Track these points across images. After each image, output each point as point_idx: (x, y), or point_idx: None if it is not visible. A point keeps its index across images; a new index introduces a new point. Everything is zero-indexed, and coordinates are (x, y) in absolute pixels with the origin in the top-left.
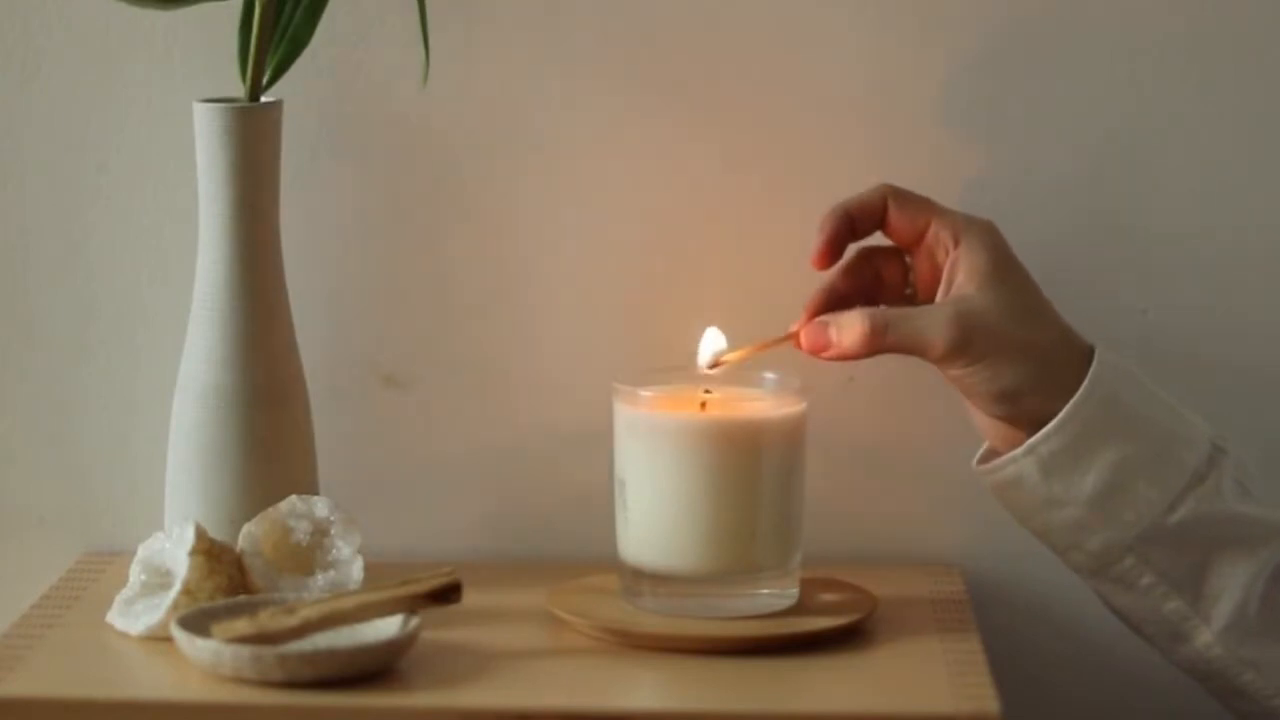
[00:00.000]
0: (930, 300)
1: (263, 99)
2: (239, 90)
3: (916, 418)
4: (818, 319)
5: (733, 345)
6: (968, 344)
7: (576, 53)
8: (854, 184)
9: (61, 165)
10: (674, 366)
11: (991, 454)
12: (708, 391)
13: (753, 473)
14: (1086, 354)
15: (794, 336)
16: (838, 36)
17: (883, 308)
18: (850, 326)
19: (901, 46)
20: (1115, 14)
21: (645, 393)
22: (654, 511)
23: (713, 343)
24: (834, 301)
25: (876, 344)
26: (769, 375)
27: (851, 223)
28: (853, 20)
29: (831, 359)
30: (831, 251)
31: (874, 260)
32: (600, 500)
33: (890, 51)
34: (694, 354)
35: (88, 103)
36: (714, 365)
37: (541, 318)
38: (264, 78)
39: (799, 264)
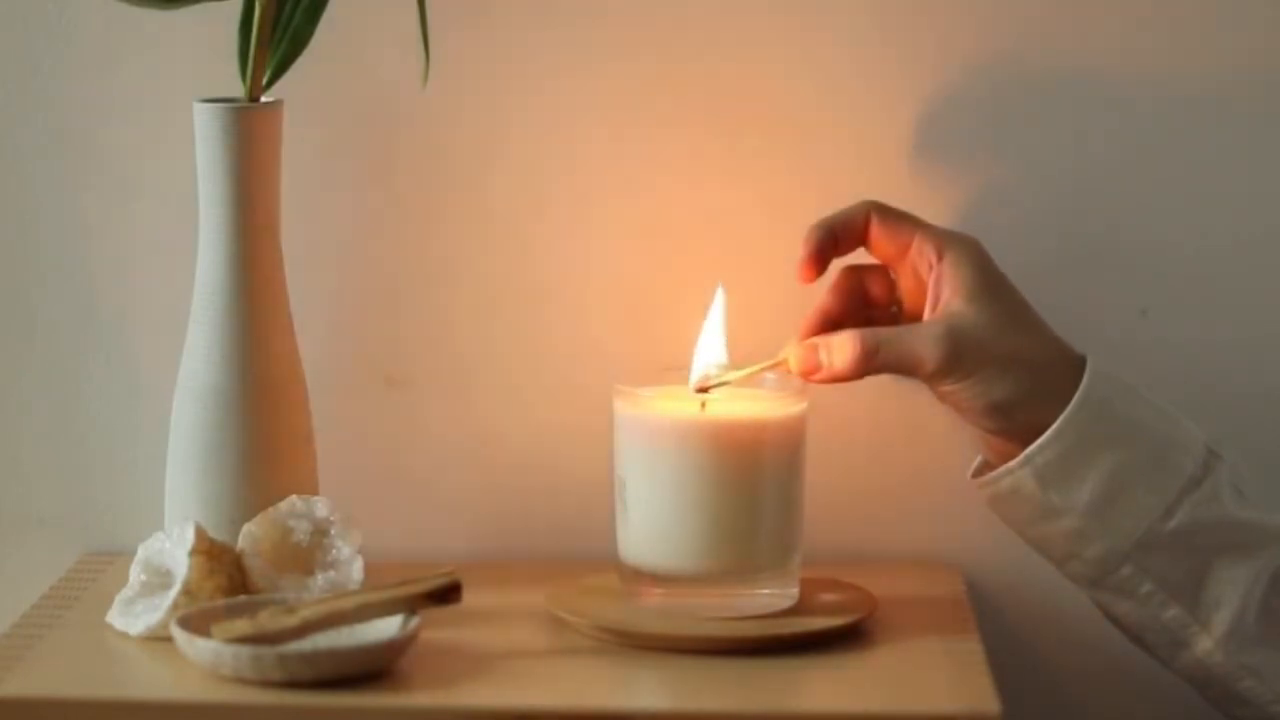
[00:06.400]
0: (916, 315)
1: (263, 99)
2: (239, 90)
3: (916, 418)
4: (807, 341)
5: (727, 366)
6: (958, 359)
7: (577, 55)
8: (851, 189)
9: (61, 165)
10: (674, 366)
11: (985, 467)
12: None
13: (753, 473)
14: (1078, 364)
15: (785, 362)
16: (836, 48)
17: (873, 329)
18: (841, 348)
19: (902, 61)
20: (1114, 25)
21: (645, 393)
22: (654, 511)
23: (707, 358)
24: (826, 324)
25: (868, 365)
26: (769, 375)
27: (835, 237)
28: (850, 35)
29: (823, 381)
30: (815, 265)
31: (860, 277)
32: (600, 500)
33: (889, 65)
34: (694, 356)
35: (88, 103)
36: (703, 389)
37: (541, 318)
38: (264, 78)
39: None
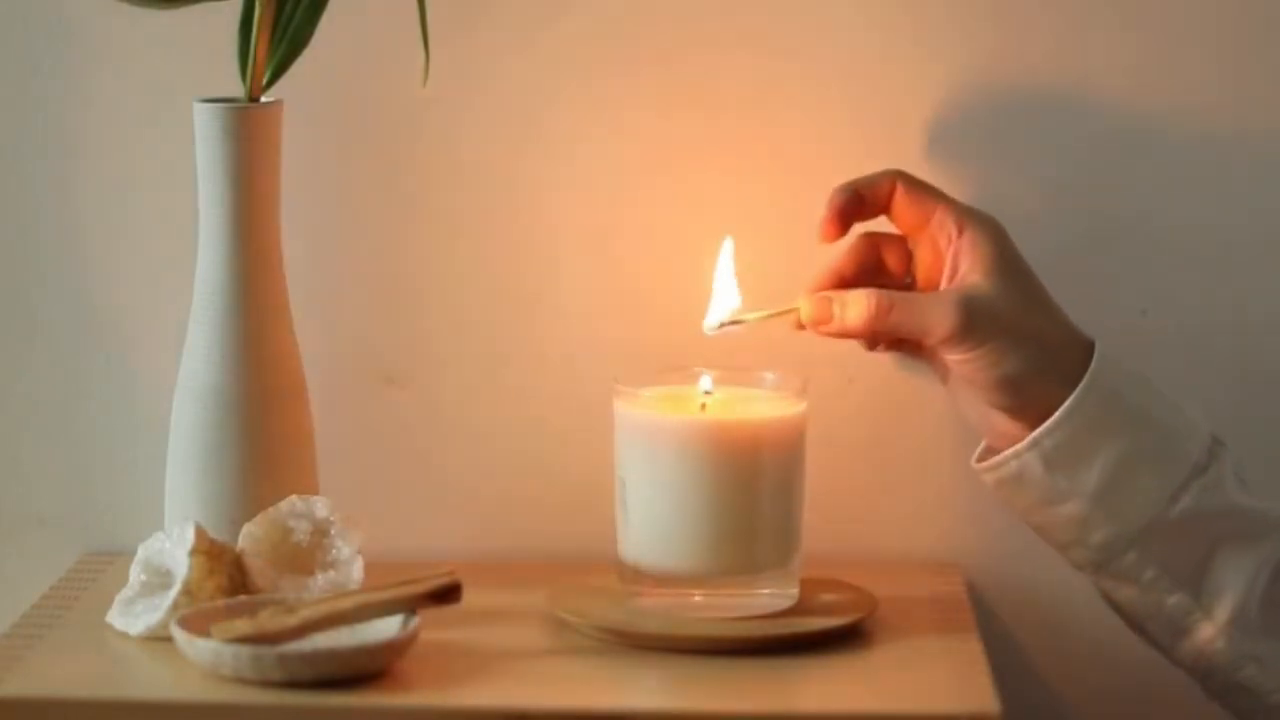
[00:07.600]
0: (930, 289)
1: (263, 99)
2: (239, 90)
3: (917, 417)
4: (821, 293)
5: (740, 310)
6: (971, 328)
7: (577, 54)
8: None
9: (62, 165)
10: (674, 367)
11: (989, 452)
12: (708, 393)
13: (753, 473)
14: (1087, 347)
15: (796, 311)
16: (843, 41)
17: (888, 290)
18: (855, 303)
19: (905, 53)
20: (1115, 25)
21: (645, 393)
22: (654, 511)
23: (723, 302)
24: (838, 284)
25: (880, 322)
26: (769, 375)
27: (860, 201)
28: (857, 28)
29: (831, 334)
30: (838, 225)
31: (878, 244)
32: (600, 500)
33: (893, 58)
34: (696, 351)
35: (89, 102)
36: (719, 326)
37: (542, 318)
38: (264, 78)
39: (798, 267)
